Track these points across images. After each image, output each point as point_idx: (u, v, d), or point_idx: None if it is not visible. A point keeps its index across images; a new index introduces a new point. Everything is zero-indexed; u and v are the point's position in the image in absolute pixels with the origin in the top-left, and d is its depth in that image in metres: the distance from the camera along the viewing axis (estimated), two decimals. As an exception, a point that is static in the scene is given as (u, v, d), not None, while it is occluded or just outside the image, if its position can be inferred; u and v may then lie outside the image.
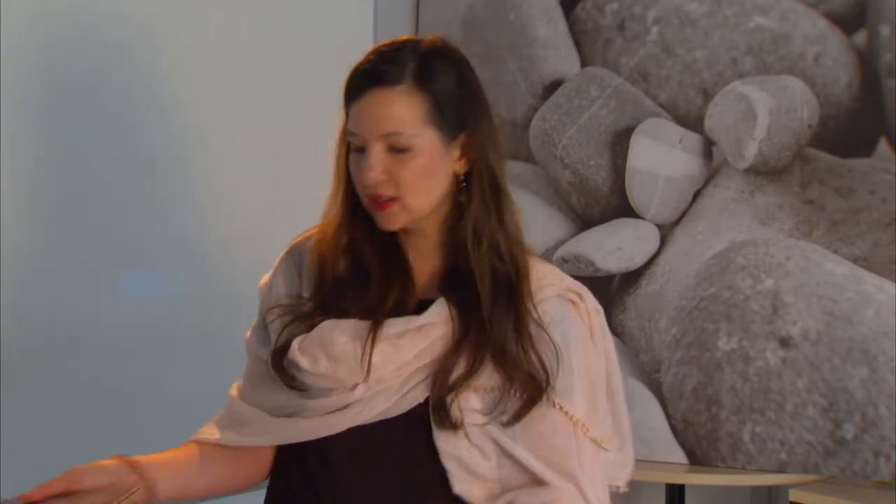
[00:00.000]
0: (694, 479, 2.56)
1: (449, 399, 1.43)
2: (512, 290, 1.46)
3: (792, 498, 2.51)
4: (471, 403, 1.44)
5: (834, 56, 2.55)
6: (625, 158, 2.69)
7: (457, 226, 1.49)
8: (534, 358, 1.45)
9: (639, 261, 2.69)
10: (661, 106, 2.68)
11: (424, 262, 1.52)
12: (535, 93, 2.78)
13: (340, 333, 1.45)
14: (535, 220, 2.77)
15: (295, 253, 1.57)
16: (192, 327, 2.36)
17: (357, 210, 1.51)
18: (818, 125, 2.56)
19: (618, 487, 1.56)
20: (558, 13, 2.79)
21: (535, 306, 1.47)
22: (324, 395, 1.47)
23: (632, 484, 3.13)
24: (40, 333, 2.16)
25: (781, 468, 2.50)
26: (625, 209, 2.70)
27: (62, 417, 2.18)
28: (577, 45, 2.77)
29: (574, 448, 1.46)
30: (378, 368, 1.44)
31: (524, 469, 1.44)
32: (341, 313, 1.48)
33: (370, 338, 1.44)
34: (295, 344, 1.47)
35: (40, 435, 2.14)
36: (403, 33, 2.94)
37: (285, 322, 1.50)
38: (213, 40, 2.42)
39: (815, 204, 2.56)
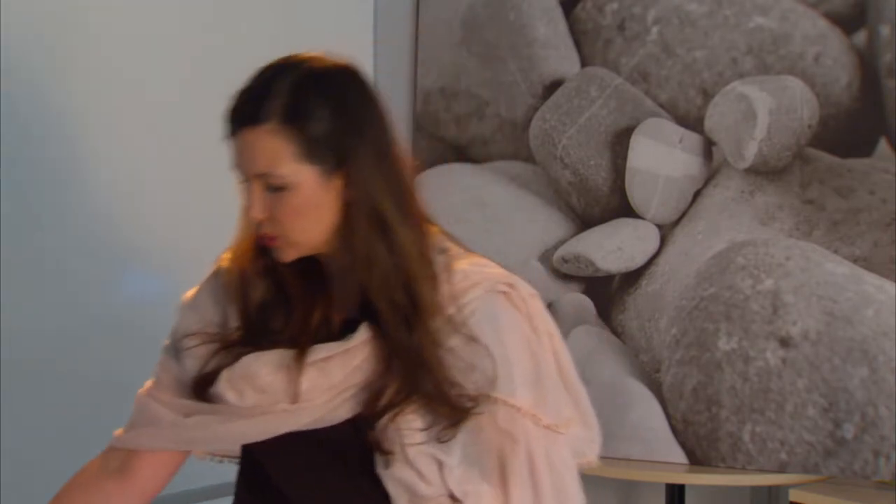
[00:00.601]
0: (694, 479, 2.56)
1: (382, 423, 1.41)
2: (411, 325, 1.41)
3: (792, 498, 2.51)
4: (411, 423, 1.41)
5: (834, 56, 2.55)
6: (625, 158, 2.69)
7: None
8: (447, 387, 1.40)
9: (639, 261, 2.69)
10: (661, 106, 2.68)
11: (345, 279, 1.47)
12: (535, 93, 2.78)
13: (263, 365, 1.44)
14: (535, 220, 2.77)
15: (218, 278, 1.54)
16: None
17: None
18: (818, 125, 2.56)
19: (591, 462, 1.55)
20: (558, 13, 2.79)
21: (459, 310, 1.43)
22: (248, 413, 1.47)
23: (632, 484, 3.14)
24: (40, 333, 2.16)
25: (781, 468, 2.50)
26: (625, 209, 2.70)
27: (62, 417, 2.18)
28: (577, 45, 2.77)
29: (521, 448, 1.43)
30: (306, 395, 1.43)
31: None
32: (268, 340, 1.46)
33: (296, 366, 1.42)
34: (223, 377, 1.46)
35: (40, 435, 2.14)
36: (403, 33, 2.96)
37: (211, 351, 1.49)
38: (212, 40, 2.42)
39: (815, 204, 2.56)
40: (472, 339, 1.42)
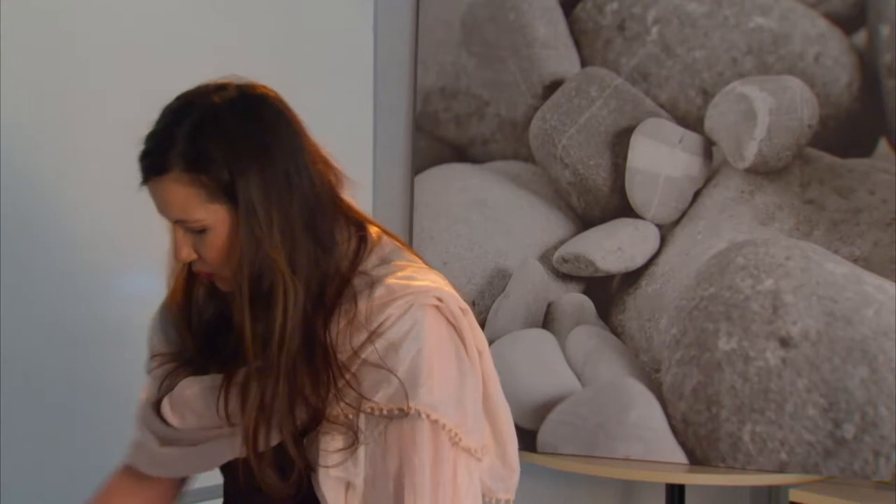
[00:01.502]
0: (694, 479, 2.56)
1: (307, 443, 1.41)
2: (262, 348, 1.40)
3: (792, 498, 2.52)
4: (328, 443, 1.41)
5: (834, 56, 2.55)
6: (625, 158, 2.69)
7: None
8: (315, 403, 1.39)
9: (639, 261, 2.69)
10: (661, 106, 2.68)
11: None
12: (535, 93, 2.78)
13: (193, 389, 1.48)
14: (535, 220, 2.77)
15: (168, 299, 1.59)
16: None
17: None
18: (818, 125, 2.56)
19: (501, 501, 1.52)
20: (558, 13, 2.79)
21: (375, 324, 1.40)
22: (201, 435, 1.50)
23: (632, 484, 3.14)
24: (40, 333, 2.16)
25: (781, 468, 2.50)
26: (625, 209, 2.70)
27: (62, 417, 2.18)
28: (577, 45, 2.77)
29: (426, 464, 1.39)
30: (236, 415, 1.43)
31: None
32: (214, 358, 1.49)
33: (223, 388, 1.44)
34: (165, 402, 1.50)
35: (40, 435, 2.14)
36: (403, 33, 2.96)
37: (167, 370, 1.52)
38: (213, 40, 2.42)
39: (815, 204, 2.56)
40: (387, 351, 1.39)
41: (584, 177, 2.73)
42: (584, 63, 2.76)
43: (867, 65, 2.54)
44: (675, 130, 2.66)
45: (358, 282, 1.42)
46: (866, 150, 2.53)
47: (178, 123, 1.41)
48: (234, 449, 1.44)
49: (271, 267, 1.38)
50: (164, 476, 1.59)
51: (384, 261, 1.46)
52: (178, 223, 1.42)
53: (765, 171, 2.59)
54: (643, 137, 2.68)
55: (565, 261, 2.74)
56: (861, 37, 2.55)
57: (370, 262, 1.45)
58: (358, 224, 1.48)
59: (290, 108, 1.47)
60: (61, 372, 2.17)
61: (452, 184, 2.85)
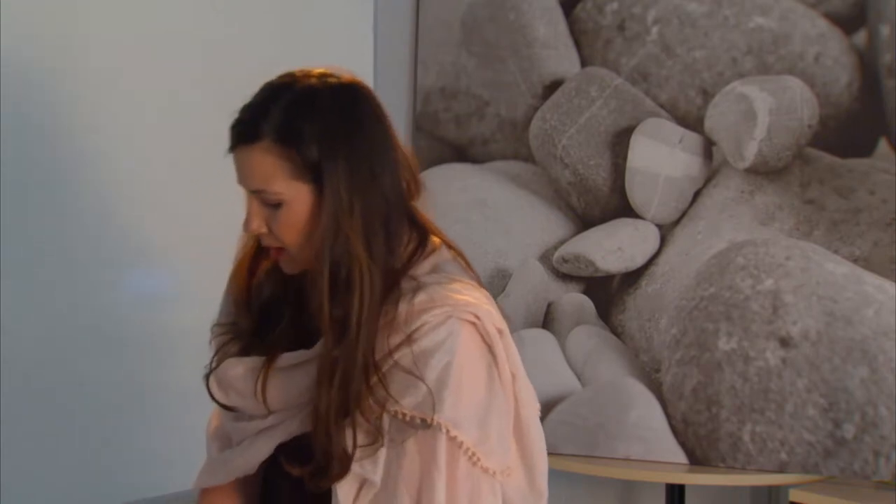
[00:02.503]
0: (694, 479, 2.56)
1: (320, 436, 1.42)
2: (339, 337, 1.41)
3: (792, 498, 2.51)
4: (348, 438, 1.41)
5: (834, 56, 2.55)
6: (625, 158, 2.69)
7: None
8: (369, 403, 1.39)
9: (639, 261, 2.69)
10: (661, 106, 2.68)
11: None
12: (535, 93, 2.78)
13: (237, 369, 1.49)
14: (535, 220, 2.77)
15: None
16: (191, 327, 2.35)
17: None
18: (818, 125, 2.56)
19: None
20: (558, 13, 2.79)
21: (412, 329, 1.41)
22: (242, 419, 1.51)
23: (632, 484, 3.14)
24: (40, 333, 2.16)
25: (781, 468, 2.50)
26: (625, 209, 2.70)
27: (62, 417, 2.18)
28: (577, 45, 2.77)
29: (442, 483, 1.39)
30: (274, 400, 1.46)
31: None
32: (266, 338, 1.50)
33: (262, 372, 1.46)
34: (211, 378, 1.53)
35: (40, 435, 2.14)
36: (403, 33, 2.96)
37: (221, 342, 1.55)
38: (212, 41, 2.42)
39: (815, 204, 2.56)
40: (419, 358, 1.40)
41: (584, 177, 2.73)
42: (584, 63, 2.76)
43: (867, 65, 2.54)
44: (675, 130, 2.66)
45: (405, 284, 1.44)
46: (866, 150, 2.53)
47: (276, 98, 1.45)
48: (284, 433, 1.46)
49: (350, 253, 1.40)
50: (223, 481, 1.58)
51: (435, 269, 1.47)
52: (256, 194, 1.44)
53: (765, 171, 2.59)
54: (643, 137, 2.68)
55: (565, 261, 2.74)
56: (861, 37, 2.54)
57: (422, 268, 1.47)
58: (421, 231, 1.50)
59: (384, 109, 1.50)
60: (61, 372, 2.17)
61: (452, 184, 2.85)
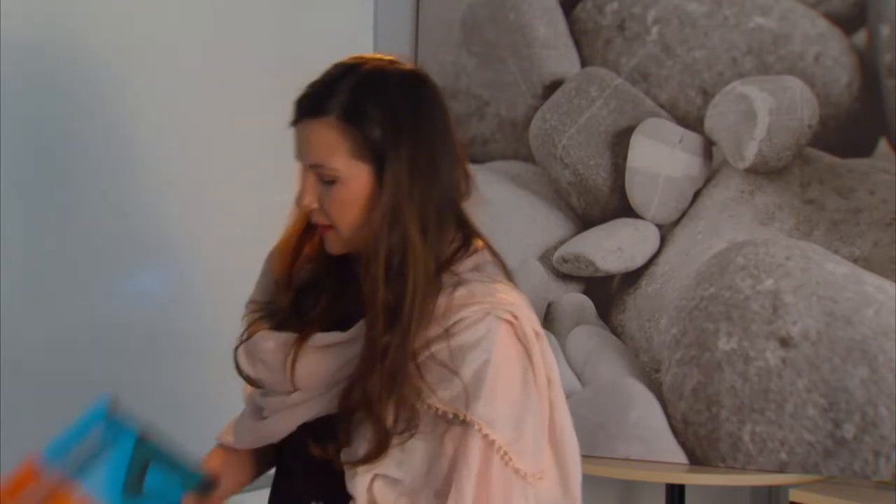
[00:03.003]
0: (694, 479, 2.56)
1: (357, 418, 1.42)
2: (387, 324, 1.40)
3: (792, 498, 2.51)
4: (394, 421, 1.41)
5: (834, 56, 2.55)
6: (625, 158, 2.69)
7: None
8: (411, 393, 1.40)
9: (639, 261, 2.69)
10: (661, 106, 2.68)
11: None
12: (535, 93, 2.78)
13: (268, 343, 1.50)
14: (535, 220, 2.77)
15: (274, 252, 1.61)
16: (190, 327, 2.36)
17: None
18: (818, 125, 2.56)
19: None
20: (558, 13, 2.79)
21: (450, 323, 1.41)
22: (270, 394, 1.52)
23: (632, 484, 3.14)
24: (40, 333, 2.16)
25: (781, 468, 2.50)
26: (625, 209, 2.70)
27: (62, 417, 2.18)
28: (577, 45, 2.77)
29: (473, 480, 1.39)
30: (302, 378, 1.46)
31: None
32: (298, 319, 1.51)
33: (294, 348, 1.46)
34: (240, 350, 1.53)
35: (40, 435, 2.13)
36: (403, 33, 2.96)
37: (253, 318, 1.56)
38: (212, 41, 2.42)
39: (815, 204, 2.56)
40: (456, 353, 1.40)
41: (584, 177, 2.73)
42: (584, 63, 2.76)
43: (867, 65, 2.54)
44: (675, 130, 2.66)
45: (445, 279, 1.44)
46: (866, 150, 2.53)
47: (344, 76, 1.46)
48: (308, 413, 1.46)
49: (407, 240, 1.41)
50: (245, 447, 1.60)
51: (477, 269, 1.48)
52: (313, 168, 1.45)
53: (765, 171, 2.59)
54: (643, 137, 2.68)
55: (565, 261, 2.74)
56: (861, 37, 2.54)
57: (464, 266, 1.48)
58: (467, 230, 1.51)
59: (447, 107, 1.52)
60: (62, 372, 2.17)
61: (452, 184, 2.85)
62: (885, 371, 2.42)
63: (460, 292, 1.43)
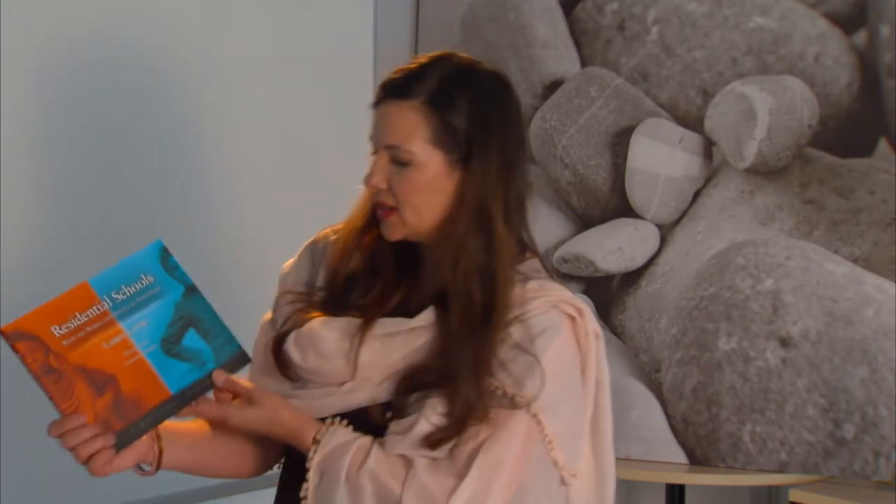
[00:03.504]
0: (694, 479, 2.56)
1: (412, 399, 1.44)
2: (483, 326, 1.44)
3: (792, 498, 2.51)
4: (435, 406, 1.43)
5: (834, 56, 2.55)
6: (625, 158, 2.69)
7: None
8: (486, 390, 1.42)
9: (639, 261, 2.69)
10: (661, 106, 2.68)
11: (435, 272, 1.51)
12: (535, 93, 2.78)
13: (330, 331, 1.48)
14: (535, 220, 2.76)
15: (317, 245, 1.60)
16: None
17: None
18: (818, 125, 2.56)
19: None
20: (558, 13, 2.79)
21: (523, 313, 1.46)
22: (312, 388, 1.50)
23: (632, 484, 3.14)
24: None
25: (781, 468, 2.50)
26: (625, 209, 2.70)
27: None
28: (577, 45, 2.77)
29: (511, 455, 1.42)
30: (365, 367, 1.46)
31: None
32: (344, 308, 1.51)
33: (359, 336, 1.46)
34: (291, 337, 1.51)
35: (40, 435, 2.13)
36: (403, 33, 2.96)
37: (293, 309, 1.54)
38: (212, 41, 2.42)
39: (815, 204, 2.56)
40: (529, 341, 1.44)
41: (584, 177, 2.73)
42: (584, 63, 2.76)
43: (867, 65, 2.54)
44: (675, 130, 2.66)
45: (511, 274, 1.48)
46: (866, 150, 2.53)
47: (435, 65, 1.48)
48: (351, 400, 1.46)
49: (495, 233, 1.45)
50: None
51: (536, 271, 1.53)
52: (388, 149, 1.46)
53: (765, 171, 2.59)
54: (643, 137, 2.68)
55: (565, 261, 2.74)
56: (861, 37, 2.54)
57: (526, 266, 1.52)
58: (520, 236, 1.54)
59: None
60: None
61: (452, 184, 2.85)
62: (885, 371, 2.42)
63: (532, 285, 1.48)
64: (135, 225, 2.29)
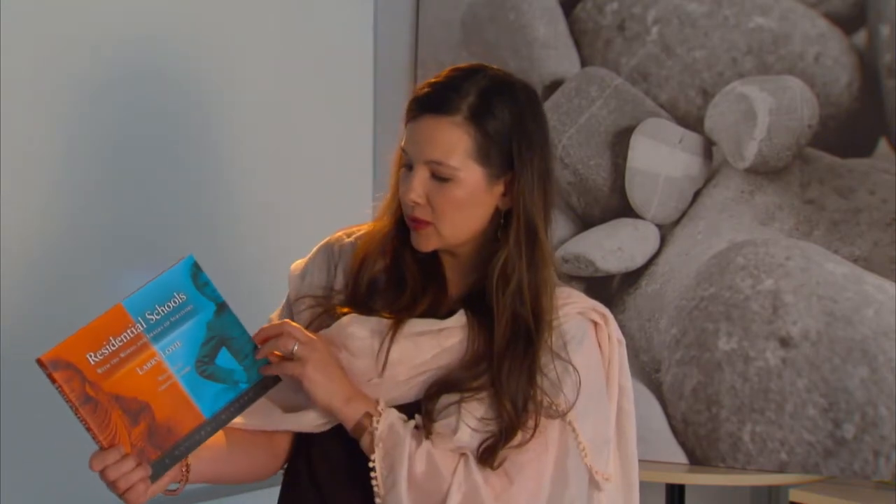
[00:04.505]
0: (694, 479, 2.56)
1: (447, 400, 1.44)
2: (529, 338, 1.45)
3: (792, 498, 2.52)
4: (474, 410, 1.44)
5: (834, 56, 2.56)
6: (625, 158, 2.69)
7: (492, 256, 1.49)
8: (531, 406, 1.44)
9: (639, 261, 2.69)
10: (661, 106, 2.68)
11: (459, 278, 1.53)
12: (535, 93, 2.78)
13: (360, 328, 1.48)
14: (535, 220, 2.78)
15: (332, 247, 1.59)
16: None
17: (404, 221, 1.53)
18: (818, 125, 2.56)
19: None
20: (558, 13, 2.79)
21: (556, 319, 1.48)
22: None
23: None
24: (40, 333, 2.15)
25: (781, 468, 2.50)
26: (625, 209, 2.70)
27: (62, 418, 2.18)
28: (577, 45, 2.77)
29: (551, 460, 1.44)
30: (394, 365, 1.47)
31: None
32: (368, 311, 1.50)
33: (390, 334, 1.46)
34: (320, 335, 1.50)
35: (40, 435, 2.14)
36: (403, 33, 2.96)
37: (315, 314, 1.54)
38: (212, 41, 2.42)
39: (815, 204, 2.56)
40: (561, 347, 1.46)
41: (584, 177, 2.73)
42: (584, 63, 2.76)
43: (867, 65, 2.54)
44: (675, 130, 2.66)
45: None
46: (866, 150, 2.53)
47: (470, 79, 1.50)
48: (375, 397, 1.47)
49: (540, 244, 1.46)
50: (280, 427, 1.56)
51: (560, 277, 1.54)
52: (428, 164, 1.45)
53: (765, 171, 2.59)
54: (643, 137, 2.68)
55: (565, 261, 2.74)
56: (861, 37, 2.55)
57: None
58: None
59: None
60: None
61: (452, 184, 2.85)
62: (885, 371, 2.42)
63: (559, 292, 1.49)
64: (135, 225, 2.29)
